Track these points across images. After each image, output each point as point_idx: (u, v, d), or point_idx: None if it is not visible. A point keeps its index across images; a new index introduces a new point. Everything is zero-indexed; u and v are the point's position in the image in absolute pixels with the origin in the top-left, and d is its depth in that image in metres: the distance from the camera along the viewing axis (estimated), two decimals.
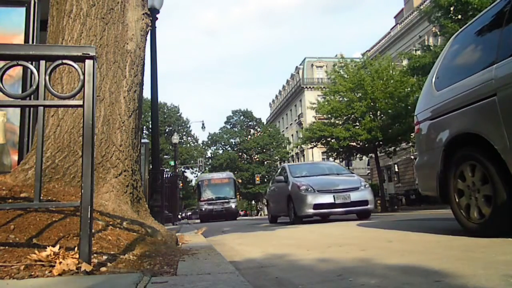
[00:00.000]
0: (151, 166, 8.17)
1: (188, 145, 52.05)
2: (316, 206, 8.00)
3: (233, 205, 24.79)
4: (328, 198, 8.06)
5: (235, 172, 41.93)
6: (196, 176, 40.34)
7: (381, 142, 21.11)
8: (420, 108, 3.99)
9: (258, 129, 53.70)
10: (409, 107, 18.36)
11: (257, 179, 44.11)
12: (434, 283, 1.66)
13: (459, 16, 15.34)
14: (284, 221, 10.07)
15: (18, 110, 4.21)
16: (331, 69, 23.84)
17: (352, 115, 21.12)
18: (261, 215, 50.31)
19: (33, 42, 4.35)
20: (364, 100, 20.30)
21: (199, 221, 24.10)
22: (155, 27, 7.49)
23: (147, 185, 8.09)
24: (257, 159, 50.06)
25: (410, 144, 22.23)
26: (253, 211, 55.66)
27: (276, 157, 48.17)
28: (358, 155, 23.75)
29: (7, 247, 1.77)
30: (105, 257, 1.88)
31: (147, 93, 33.90)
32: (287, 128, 54.97)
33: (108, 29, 3.13)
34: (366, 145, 21.33)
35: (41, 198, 1.69)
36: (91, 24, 3.08)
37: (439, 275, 1.79)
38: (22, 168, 2.75)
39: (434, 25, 17.94)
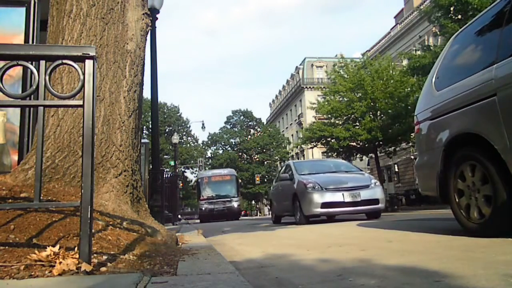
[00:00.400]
0: (151, 166, 8.17)
1: (188, 145, 52.05)
2: (324, 205, 7.51)
3: (235, 204, 22.98)
4: (336, 197, 7.57)
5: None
6: (196, 176, 39.37)
7: (381, 142, 21.12)
8: (420, 108, 3.99)
9: (258, 129, 53.68)
10: (409, 107, 18.36)
11: (257, 179, 44.10)
12: (434, 283, 1.66)
13: (459, 16, 15.34)
14: (288, 221, 9.74)
15: (18, 110, 4.21)
16: (331, 69, 23.85)
17: (352, 115, 21.13)
18: (260, 214, 50.34)
19: (33, 42, 4.35)
20: (364, 100, 20.31)
21: (199, 221, 23.15)
22: (155, 27, 7.49)
23: (147, 185, 8.09)
24: (257, 159, 50.05)
25: (410, 144, 22.24)
26: (253, 211, 55.66)
27: (276, 157, 48.14)
28: (358, 155, 23.74)
29: (7, 247, 1.77)
30: (105, 257, 1.88)
31: (147, 93, 33.89)
32: (287, 128, 54.98)
33: (108, 29, 3.13)
34: (366, 145, 21.34)
35: (41, 198, 1.69)
36: (91, 24, 3.08)
37: (439, 275, 1.79)
38: (22, 168, 2.75)
39: (434, 25, 17.93)
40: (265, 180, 46.83)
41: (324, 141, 22.68)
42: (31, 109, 4.14)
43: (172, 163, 30.98)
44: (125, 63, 3.17)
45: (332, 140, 21.94)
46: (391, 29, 34.24)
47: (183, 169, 45.93)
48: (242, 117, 54.26)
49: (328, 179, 8.12)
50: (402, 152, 27.83)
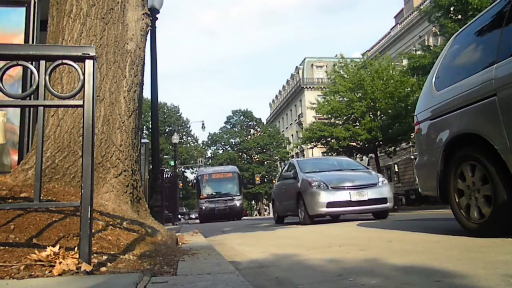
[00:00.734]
0: (151, 166, 8.16)
1: (188, 145, 52.11)
2: (330, 204, 7.19)
3: (237, 203, 21.50)
4: (343, 195, 7.23)
5: None
6: (196, 173, 36.84)
7: (381, 142, 21.14)
8: (420, 108, 4.00)
9: (258, 129, 53.69)
10: (409, 107, 18.38)
11: (257, 179, 44.11)
12: (434, 283, 1.66)
13: (459, 16, 15.36)
14: (291, 221, 9.54)
15: (18, 110, 4.21)
16: (331, 69, 23.88)
17: (352, 115, 21.15)
18: (259, 215, 50.29)
19: (33, 42, 4.35)
20: (364, 100, 20.33)
21: (198, 221, 22.36)
22: (155, 27, 7.48)
23: (147, 185, 8.08)
24: (257, 159, 50.06)
25: (410, 144, 22.27)
26: (253, 211, 55.65)
27: (276, 157, 48.15)
28: (358, 155, 23.75)
29: (7, 247, 1.77)
30: (105, 257, 1.88)
31: (147, 93, 33.89)
32: (287, 128, 54.98)
33: (108, 29, 3.13)
34: (366, 145, 21.36)
35: (41, 198, 1.69)
36: (91, 24, 3.08)
37: (439, 275, 1.79)
38: (22, 168, 2.75)
39: (434, 25, 17.95)
40: (265, 180, 46.82)
41: (324, 141, 22.70)
42: (31, 109, 4.14)
43: (172, 163, 30.93)
44: (125, 63, 3.17)
45: (332, 140, 21.96)
46: (391, 29, 34.25)
47: (183, 169, 45.96)
48: (242, 117, 54.28)
49: (333, 177, 7.79)
50: (402, 152, 27.83)
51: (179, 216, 23.22)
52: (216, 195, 21.74)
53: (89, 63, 1.68)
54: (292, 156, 47.79)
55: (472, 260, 2.11)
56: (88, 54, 1.67)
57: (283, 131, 54.03)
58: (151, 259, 2.02)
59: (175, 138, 26.30)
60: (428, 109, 3.80)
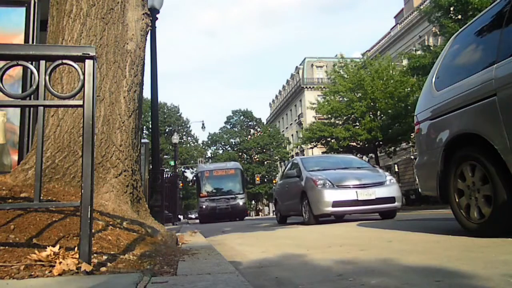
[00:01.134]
0: (151, 166, 8.16)
1: (188, 145, 52.11)
2: (336, 204, 6.91)
3: (240, 202, 19.81)
4: (349, 194, 6.94)
5: None
6: (196, 170, 33.81)
7: (381, 142, 21.15)
8: (420, 108, 4.00)
9: (258, 129, 53.70)
10: (409, 107, 18.40)
11: (257, 179, 44.11)
12: (434, 283, 1.66)
13: (459, 16, 15.36)
14: (295, 221, 9.39)
15: (18, 110, 4.21)
16: (331, 69, 23.89)
17: (352, 115, 21.17)
18: (257, 214, 50.28)
19: (33, 42, 4.35)
20: (364, 100, 20.35)
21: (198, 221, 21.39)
22: (155, 27, 7.48)
23: (147, 185, 8.08)
24: (257, 159, 50.05)
25: (410, 144, 22.27)
26: (253, 211, 55.66)
27: (276, 157, 48.15)
28: (358, 155, 23.75)
29: (7, 247, 1.77)
30: (105, 257, 1.88)
31: (147, 93, 33.90)
32: (287, 128, 54.98)
33: (108, 29, 3.13)
34: (366, 145, 21.38)
35: (41, 198, 1.69)
36: (91, 24, 3.08)
37: (439, 275, 1.79)
38: (22, 168, 2.75)
39: (434, 25, 17.95)
40: (265, 180, 46.81)
41: (324, 141, 22.72)
42: (31, 109, 4.14)
43: (172, 163, 30.90)
44: (125, 63, 3.17)
45: (332, 140, 21.97)
46: (391, 29, 34.25)
47: (183, 169, 45.95)
48: (242, 117, 54.29)
49: (339, 175, 7.45)
50: (402, 152, 27.83)
51: (179, 216, 23.10)
52: (218, 193, 20.16)
53: (89, 63, 1.68)
54: (292, 156, 47.83)
55: (472, 260, 2.11)
56: (88, 54, 1.67)
57: (283, 131, 54.03)
58: (151, 259, 2.02)
59: (175, 138, 26.24)
60: (428, 109, 3.80)
